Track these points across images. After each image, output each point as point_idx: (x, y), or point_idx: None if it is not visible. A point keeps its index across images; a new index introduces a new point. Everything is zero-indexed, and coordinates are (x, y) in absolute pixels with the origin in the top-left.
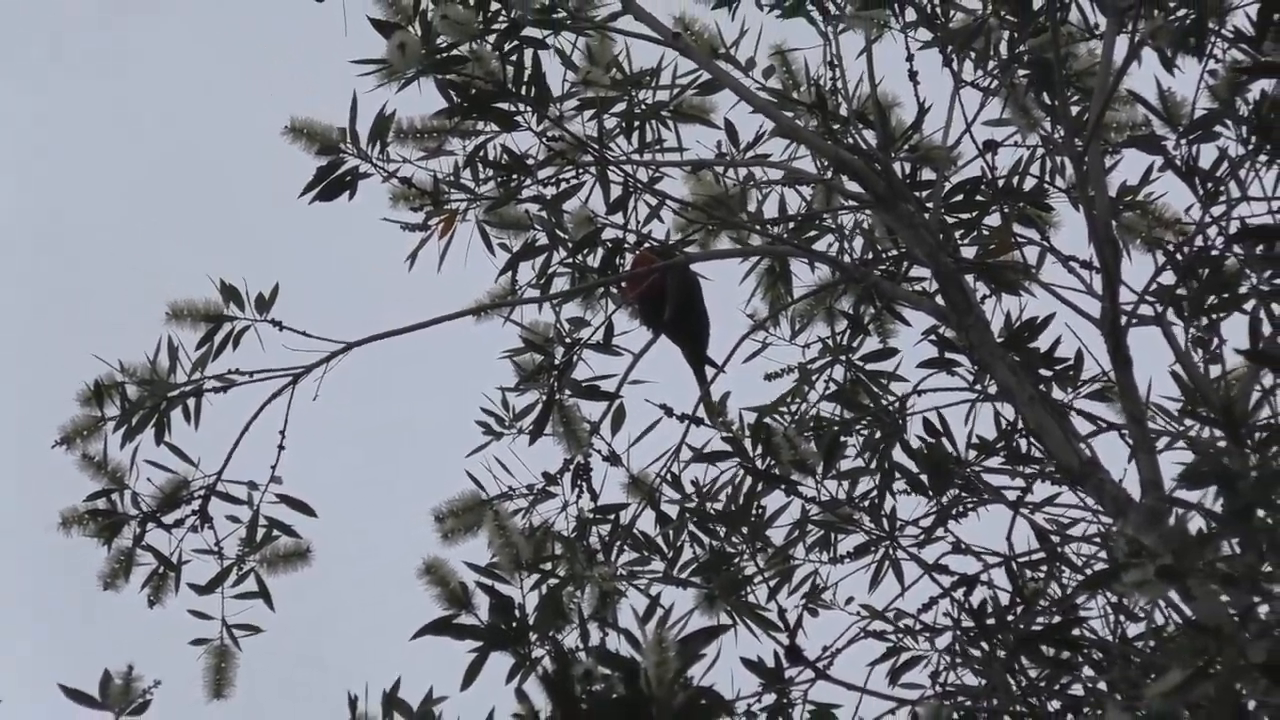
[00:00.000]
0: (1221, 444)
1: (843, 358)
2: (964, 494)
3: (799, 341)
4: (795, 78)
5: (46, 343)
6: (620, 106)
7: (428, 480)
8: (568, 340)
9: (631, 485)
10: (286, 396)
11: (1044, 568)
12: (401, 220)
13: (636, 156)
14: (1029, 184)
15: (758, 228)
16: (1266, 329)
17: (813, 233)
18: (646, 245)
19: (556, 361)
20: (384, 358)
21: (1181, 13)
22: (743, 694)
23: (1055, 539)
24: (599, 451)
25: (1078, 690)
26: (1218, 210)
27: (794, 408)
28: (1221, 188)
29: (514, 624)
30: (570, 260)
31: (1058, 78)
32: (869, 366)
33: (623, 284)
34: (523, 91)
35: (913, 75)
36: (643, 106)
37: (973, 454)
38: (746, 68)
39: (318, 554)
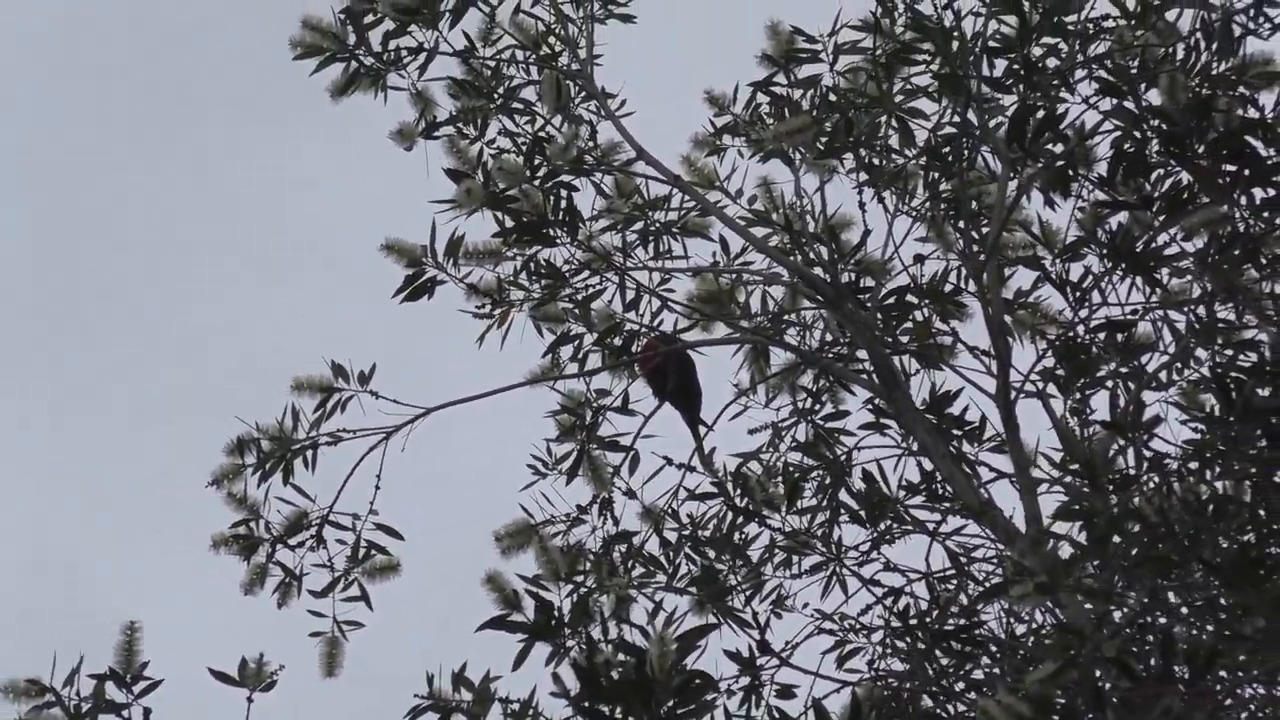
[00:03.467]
0: (1086, 489)
1: (808, 419)
2: (894, 525)
3: (772, 407)
4: (775, 203)
5: (204, 410)
6: (639, 225)
7: (490, 511)
8: (595, 405)
9: (644, 514)
10: (381, 449)
11: (954, 581)
12: (472, 311)
13: (651, 263)
14: (947, 289)
15: (743, 321)
16: (1121, 402)
17: (784, 324)
18: (654, 334)
19: (587, 421)
20: (457, 418)
21: (1058, 163)
22: (724, 677)
23: (963, 560)
24: (619, 489)
25: (978, 675)
26: (1084, 312)
27: (767, 458)
28: (1087, 295)
29: (553, 622)
30: (596, 345)
31: (966, 210)
32: (827, 425)
33: (636, 363)
34: (559, 219)
35: (861, 206)
36: (656, 225)
37: (901, 494)
38: (736, 196)
39: (406, 568)
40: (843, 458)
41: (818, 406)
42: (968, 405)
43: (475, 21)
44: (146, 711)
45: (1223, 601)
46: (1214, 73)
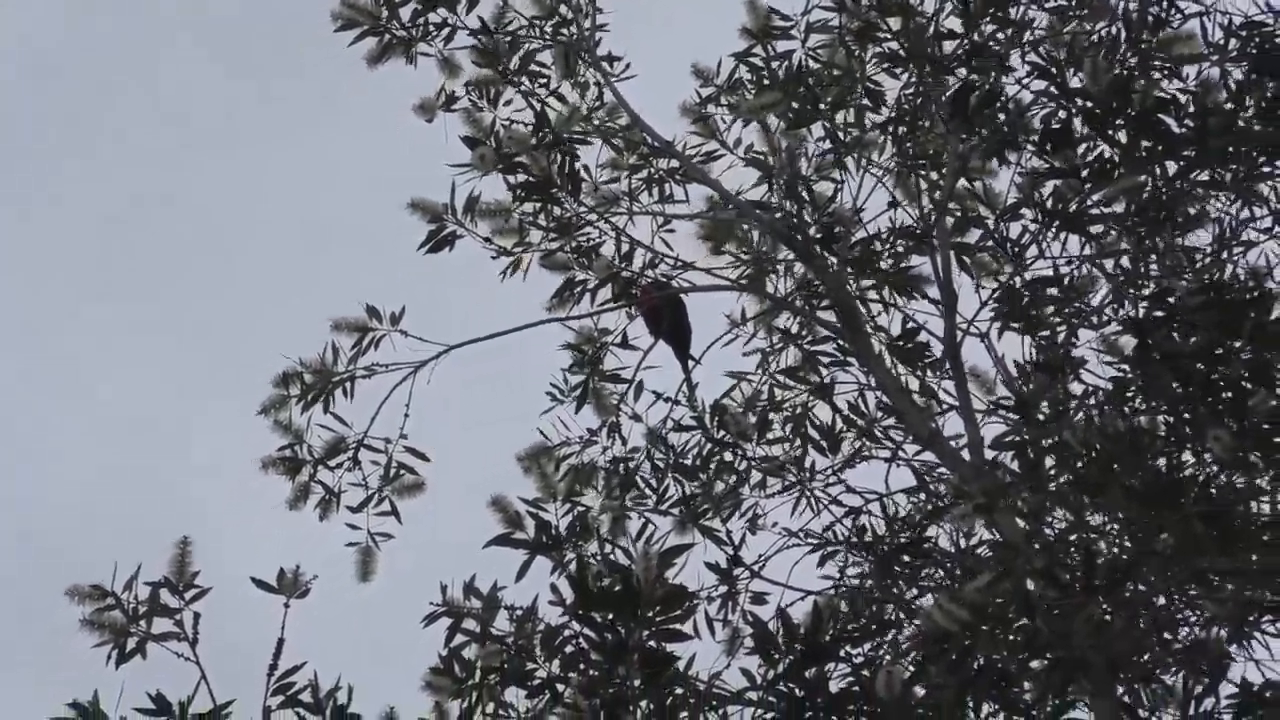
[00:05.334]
0: (1020, 422)
1: (795, 343)
2: (861, 449)
3: (759, 336)
4: (765, 158)
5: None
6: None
7: (512, 435)
8: (600, 341)
9: (648, 435)
10: (410, 382)
11: (920, 495)
12: (492, 253)
13: (655, 207)
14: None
15: (743, 254)
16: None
17: (766, 268)
18: (649, 281)
19: (590, 355)
20: (479, 354)
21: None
22: (705, 586)
23: (926, 478)
24: (625, 414)
25: (928, 584)
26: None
27: (756, 378)
28: (1028, 247)
29: (550, 539)
30: (598, 288)
31: (925, 171)
32: (813, 349)
33: (634, 305)
34: (563, 181)
35: (841, 165)
36: (660, 172)
37: (866, 421)
38: (734, 146)
39: (431, 486)
40: (824, 383)
41: (805, 335)
42: (929, 341)
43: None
44: (196, 615)
45: (1138, 521)
46: (1140, 49)
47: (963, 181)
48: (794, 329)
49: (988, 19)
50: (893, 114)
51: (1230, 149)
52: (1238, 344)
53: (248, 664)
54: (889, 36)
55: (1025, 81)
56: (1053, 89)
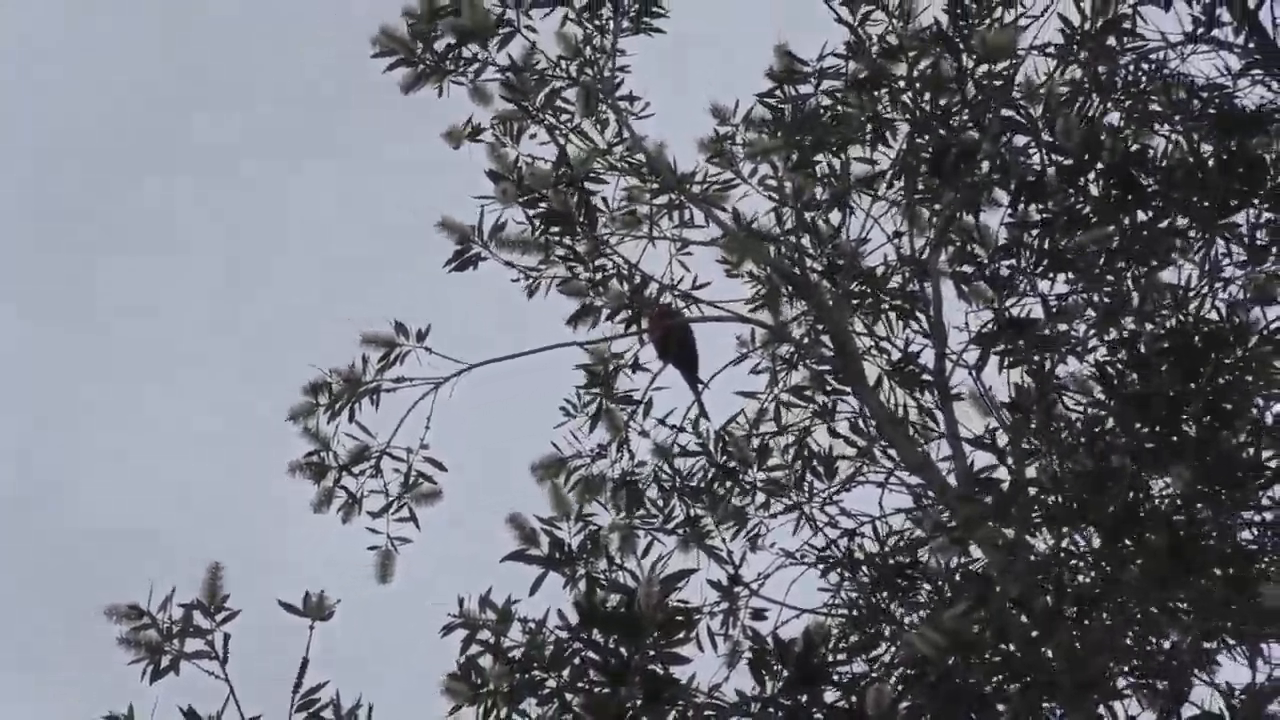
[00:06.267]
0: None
1: (801, 363)
2: (855, 474)
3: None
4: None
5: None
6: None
7: (529, 448)
8: (612, 364)
9: (655, 450)
10: (432, 396)
11: (917, 514)
12: (519, 270)
13: (672, 231)
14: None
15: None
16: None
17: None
18: (659, 308)
19: (603, 376)
20: (498, 372)
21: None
22: (708, 601)
23: (923, 500)
24: (635, 430)
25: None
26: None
27: (764, 396)
28: (1018, 283)
29: (563, 555)
30: (611, 316)
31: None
32: (818, 368)
33: (645, 332)
34: (580, 215)
35: (845, 206)
36: (681, 199)
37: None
38: (748, 176)
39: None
40: (824, 407)
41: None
42: (924, 370)
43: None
44: (226, 636)
45: (1105, 553)
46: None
47: (960, 218)
48: (795, 357)
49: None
50: (899, 153)
51: (1193, 200)
52: (1198, 386)
53: (278, 684)
54: (899, 80)
55: (1005, 138)
56: (1032, 143)
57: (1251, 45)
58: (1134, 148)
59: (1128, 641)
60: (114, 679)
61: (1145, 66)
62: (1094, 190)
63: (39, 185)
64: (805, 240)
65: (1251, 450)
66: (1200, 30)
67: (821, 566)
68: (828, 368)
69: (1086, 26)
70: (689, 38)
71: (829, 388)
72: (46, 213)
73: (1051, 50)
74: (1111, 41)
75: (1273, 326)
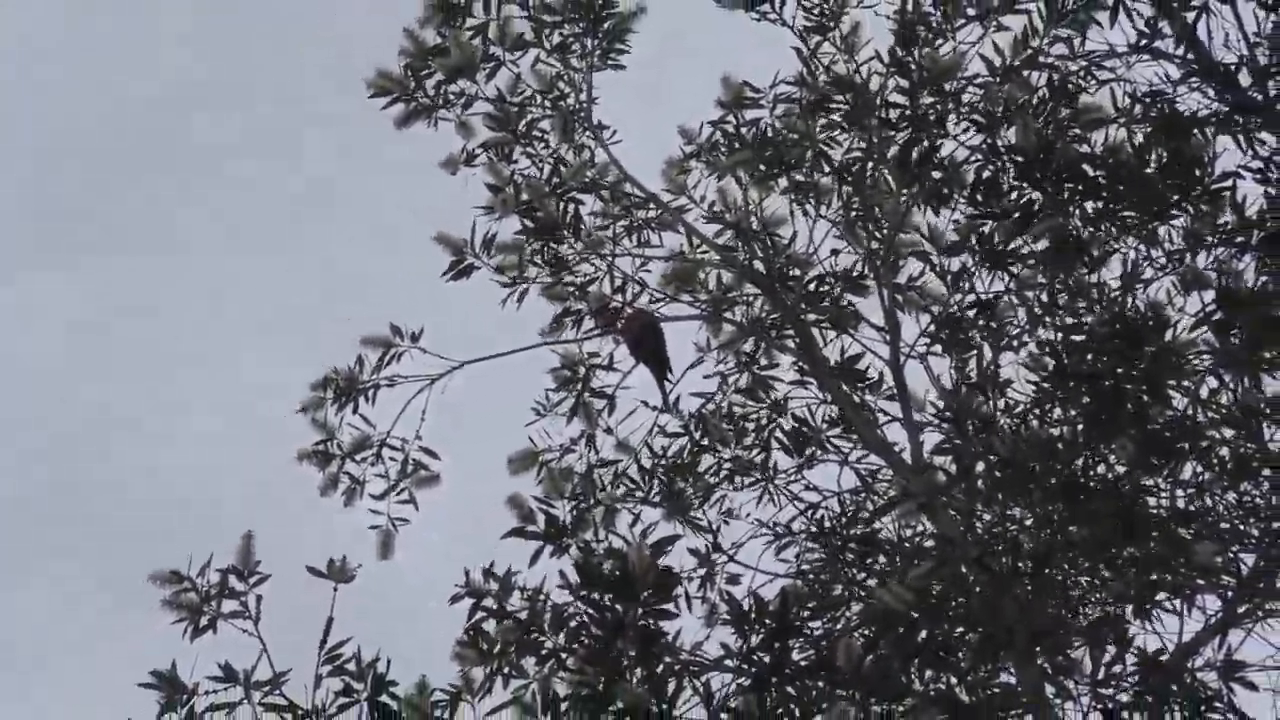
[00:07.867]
0: (953, 433)
1: (749, 369)
2: (816, 454)
3: (722, 362)
4: (728, 205)
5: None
6: (625, 221)
7: (502, 443)
8: (587, 364)
9: (620, 446)
10: (426, 391)
11: (862, 495)
12: (501, 281)
13: (635, 250)
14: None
15: (701, 295)
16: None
17: (731, 301)
18: (633, 309)
19: (581, 375)
20: (489, 370)
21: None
22: (686, 568)
23: (869, 480)
24: (602, 428)
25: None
26: (959, 295)
27: (719, 397)
28: (962, 282)
29: (557, 529)
30: (590, 317)
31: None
32: (762, 373)
33: (618, 332)
34: (567, 222)
35: (791, 213)
36: (639, 221)
37: (823, 429)
38: (699, 202)
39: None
40: (779, 400)
41: (758, 361)
42: (869, 364)
43: (505, 77)
44: (259, 598)
45: (1056, 516)
46: (1059, 117)
47: (910, 221)
48: (758, 354)
49: (926, 92)
50: (841, 171)
51: (1136, 198)
52: (1138, 366)
53: (306, 637)
54: (841, 106)
55: (963, 139)
56: (986, 143)
57: (1190, 56)
58: (1083, 149)
59: (1075, 594)
60: (158, 641)
61: (1094, 74)
62: (1048, 187)
63: (39, 185)
64: (757, 251)
65: (1187, 424)
66: (1143, 42)
67: (787, 538)
68: (794, 360)
69: (1006, 62)
70: (669, 62)
71: (794, 380)
72: (46, 213)
73: (980, 81)
74: (1028, 74)
75: (1187, 323)
